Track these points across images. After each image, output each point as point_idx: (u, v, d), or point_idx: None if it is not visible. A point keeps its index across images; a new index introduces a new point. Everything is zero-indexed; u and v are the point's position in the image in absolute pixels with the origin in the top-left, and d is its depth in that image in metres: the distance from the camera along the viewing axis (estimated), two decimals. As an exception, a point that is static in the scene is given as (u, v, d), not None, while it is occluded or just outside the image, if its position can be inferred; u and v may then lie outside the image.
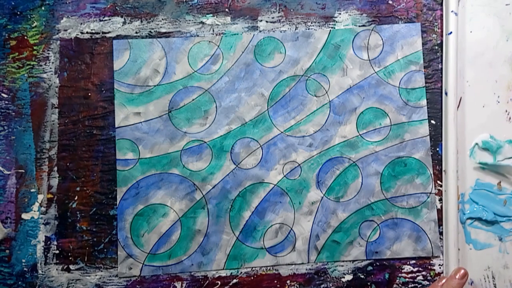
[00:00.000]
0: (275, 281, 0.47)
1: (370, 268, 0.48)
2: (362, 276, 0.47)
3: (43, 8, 0.50)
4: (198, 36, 0.50)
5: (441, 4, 0.50)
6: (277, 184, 0.48)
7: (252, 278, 0.47)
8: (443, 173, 0.48)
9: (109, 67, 0.49)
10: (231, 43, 0.49)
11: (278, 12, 0.50)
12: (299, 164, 0.48)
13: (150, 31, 0.50)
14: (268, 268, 0.47)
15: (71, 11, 0.50)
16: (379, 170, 0.48)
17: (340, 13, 0.50)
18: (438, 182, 0.48)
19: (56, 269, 0.47)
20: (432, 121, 0.49)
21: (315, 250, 0.47)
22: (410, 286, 0.47)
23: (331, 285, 0.47)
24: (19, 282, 0.47)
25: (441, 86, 0.49)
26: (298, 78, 0.49)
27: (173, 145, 0.48)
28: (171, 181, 0.48)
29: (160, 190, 0.48)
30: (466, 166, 0.48)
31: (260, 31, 0.50)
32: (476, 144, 0.48)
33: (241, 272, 0.47)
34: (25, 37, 0.49)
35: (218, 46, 0.49)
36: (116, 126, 0.48)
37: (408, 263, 0.48)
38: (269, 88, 0.49)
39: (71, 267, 0.47)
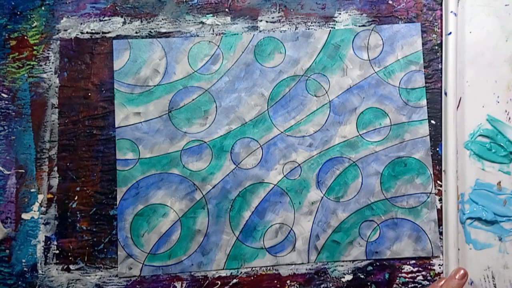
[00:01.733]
0: (275, 281, 0.47)
1: (370, 268, 0.48)
2: (362, 276, 0.48)
3: (43, 8, 0.50)
4: (198, 36, 0.50)
5: (441, 4, 0.50)
6: (277, 184, 0.48)
7: (252, 278, 0.47)
8: (443, 173, 0.48)
9: (109, 67, 0.49)
10: (231, 43, 0.49)
11: (278, 12, 0.50)
12: (299, 164, 0.48)
13: (150, 31, 0.50)
14: (268, 268, 0.47)
15: (71, 11, 0.50)
16: (379, 170, 0.48)
17: (340, 13, 0.50)
18: (438, 182, 0.48)
19: (56, 269, 0.47)
20: (432, 121, 0.49)
21: (315, 250, 0.47)
22: (410, 286, 0.47)
23: (331, 285, 0.47)
24: (19, 282, 0.47)
25: (441, 86, 0.49)
26: (298, 78, 0.49)
27: (173, 145, 0.48)
28: (171, 181, 0.48)
29: (160, 190, 0.48)
30: (466, 166, 0.49)
31: (260, 31, 0.50)
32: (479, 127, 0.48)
33: (241, 272, 0.47)
34: (25, 37, 0.49)
35: (218, 46, 0.49)
36: (116, 126, 0.48)
37: (408, 263, 0.48)
38: (269, 88, 0.49)
39: (71, 267, 0.47)
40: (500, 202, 0.48)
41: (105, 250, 0.47)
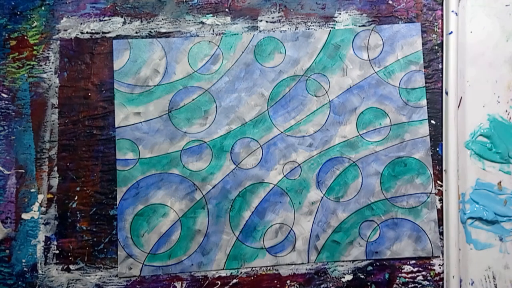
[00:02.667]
0: (275, 281, 0.47)
1: (370, 268, 0.48)
2: (362, 276, 0.47)
3: (43, 8, 0.50)
4: (198, 36, 0.50)
5: (441, 4, 0.50)
6: (277, 184, 0.48)
7: (252, 278, 0.47)
8: (444, 172, 0.48)
9: (109, 67, 0.49)
10: (231, 43, 0.49)
11: (278, 12, 0.50)
12: (299, 164, 0.48)
13: (150, 31, 0.50)
14: (268, 268, 0.47)
15: (71, 11, 0.50)
16: (379, 170, 0.48)
17: (340, 13, 0.50)
18: (438, 182, 0.48)
19: (56, 269, 0.47)
20: (432, 121, 0.49)
21: (315, 250, 0.47)
22: (410, 286, 0.47)
23: (331, 285, 0.47)
24: (19, 282, 0.47)
25: (441, 86, 0.49)
26: (298, 78, 0.49)
27: (173, 145, 0.48)
28: (171, 181, 0.48)
29: (160, 190, 0.48)
30: (466, 166, 0.48)
31: (260, 31, 0.50)
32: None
33: (241, 272, 0.47)
34: (25, 37, 0.49)
35: (218, 46, 0.49)
36: (116, 126, 0.48)
37: (408, 263, 0.48)
38: (269, 88, 0.49)
39: (71, 267, 0.47)
40: (500, 202, 0.48)
41: (105, 250, 0.47)
